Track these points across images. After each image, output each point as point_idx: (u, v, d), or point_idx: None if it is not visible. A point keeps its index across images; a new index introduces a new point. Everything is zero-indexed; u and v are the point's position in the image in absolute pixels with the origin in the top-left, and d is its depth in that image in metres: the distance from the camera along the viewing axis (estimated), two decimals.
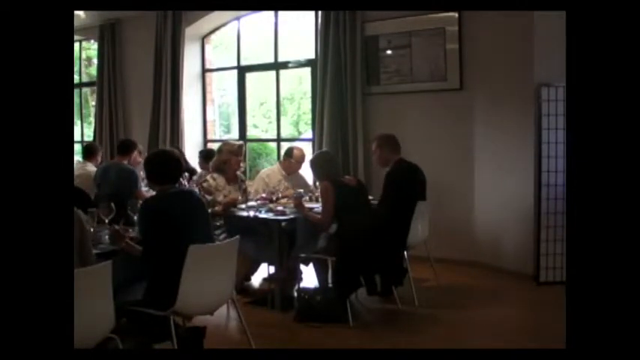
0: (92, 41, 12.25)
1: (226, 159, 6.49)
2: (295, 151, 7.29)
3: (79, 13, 10.12)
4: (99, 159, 8.66)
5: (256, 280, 7.03)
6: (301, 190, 6.35)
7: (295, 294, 6.09)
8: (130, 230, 4.60)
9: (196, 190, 6.21)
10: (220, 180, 6.46)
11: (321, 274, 6.24)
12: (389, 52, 8.23)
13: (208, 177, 6.58)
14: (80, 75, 13.21)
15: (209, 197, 6.16)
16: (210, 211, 5.27)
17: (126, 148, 7.80)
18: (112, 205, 4.84)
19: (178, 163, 4.56)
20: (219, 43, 11.44)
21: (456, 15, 7.63)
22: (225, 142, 6.83)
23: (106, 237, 4.51)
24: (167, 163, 4.46)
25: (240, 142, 6.88)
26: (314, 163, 6.09)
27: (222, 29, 10.80)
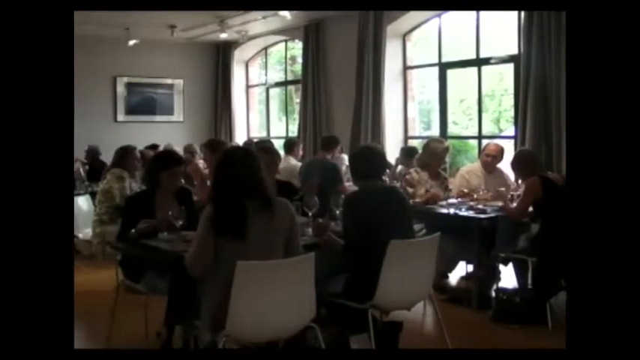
0: (297, 41, 12.69)
1: (430, 159, 6.63)
2: (489, 146, 7.13)
3: (285, 14, 10.53)
4: (299, 153, 9.01)
5: (454, 277, 7.00)
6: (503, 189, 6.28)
7: (493, 294, 6.00)
8: (333, 224, 4.73)
9: (397, 185, 6.33)
10: (423, 174, 6.64)
11: (520, 274, 6.09)
12: None
13: (412, 170, 6.81)
14: (285, 73, 13.73)
15: (410, 189, 6.29)
16: (411, 202, 5.37)
17: (329, 144, 8.04)
18: (316, 198, 5.00)
19: (382, 159, 4.63)
20: (419, 40, 11.44)
21: None
22: (431, 140, 6.96)
23: (310, 230, 4.66)
24: (370, 159, 4.54)
25: (446, 145, 6.91)
26: (515, 163, 5.97)
27: (423, 26, 10.81)
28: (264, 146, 6.00)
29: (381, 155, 4.68)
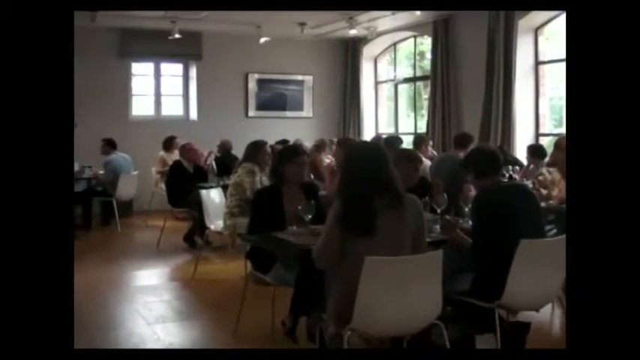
0: (425, 36, 12.60)
1: (560, 158, 6.52)
2: None
3: (415, 11, 10.50)
4: (427, 150, 8.96)
5: None
6: None
7: None
8: (461, 221, 4.69)
9: (527, 183, 6.22)
10: (556, 174, 6.51)
11: None
12: None
13: (544, 170, 6.73)
14: (414, 69, 13.67)
15: (544, 191, 6.17)
16: (544, 204, 5.26)
17: (463, 141, 7.97)
18: (445, 195, 4.96)
19: (493, 157, 4.48)
20: (551, 34, 11.13)
21: None
22: (561, 138, 6.88)
23: (438, 226, 4.64)
24: (481, 158, 4.46)
25: None
26: None
27: (555, 20, 10.50)
28: (408, 154, 5.83)
29: (490, 153, 4.55)
